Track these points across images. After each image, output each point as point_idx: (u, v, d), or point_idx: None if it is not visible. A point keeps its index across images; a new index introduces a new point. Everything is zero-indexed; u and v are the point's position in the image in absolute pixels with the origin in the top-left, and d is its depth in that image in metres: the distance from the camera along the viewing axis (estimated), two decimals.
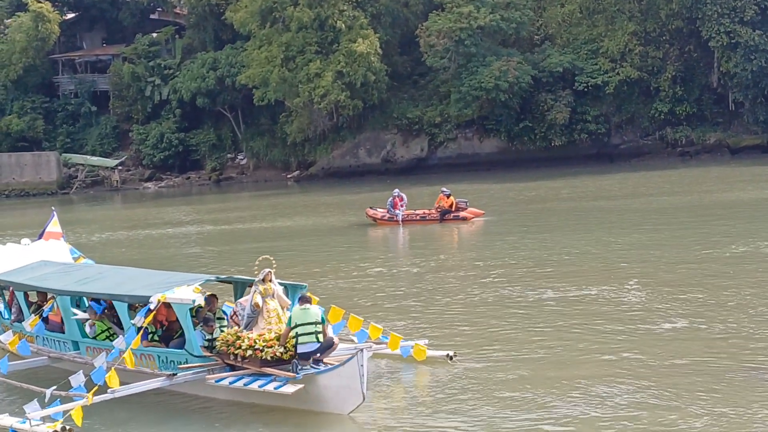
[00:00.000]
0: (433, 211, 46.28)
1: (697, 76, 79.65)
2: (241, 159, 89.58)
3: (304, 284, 19.78)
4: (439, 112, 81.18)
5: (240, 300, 19.20)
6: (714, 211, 37.34)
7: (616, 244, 35.58)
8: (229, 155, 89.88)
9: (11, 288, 22.20)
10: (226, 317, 19.16)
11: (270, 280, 18.57)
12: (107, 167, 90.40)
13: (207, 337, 18.40)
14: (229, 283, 20.64)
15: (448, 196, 46.01)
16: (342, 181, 77.80)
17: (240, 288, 20.00)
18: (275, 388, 16.79)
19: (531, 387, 17.80)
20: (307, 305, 17.59)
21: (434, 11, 79.84)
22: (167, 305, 18.60)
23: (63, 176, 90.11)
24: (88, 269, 22.32)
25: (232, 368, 17.78)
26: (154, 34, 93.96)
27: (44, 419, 16.53)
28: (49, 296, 21.43)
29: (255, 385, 17.05)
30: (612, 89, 78.60)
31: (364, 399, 16.23)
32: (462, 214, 45.47)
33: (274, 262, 18.93)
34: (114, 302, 19.72)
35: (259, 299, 18.25)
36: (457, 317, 24.60)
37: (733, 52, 76.60)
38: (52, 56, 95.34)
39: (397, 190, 47.77)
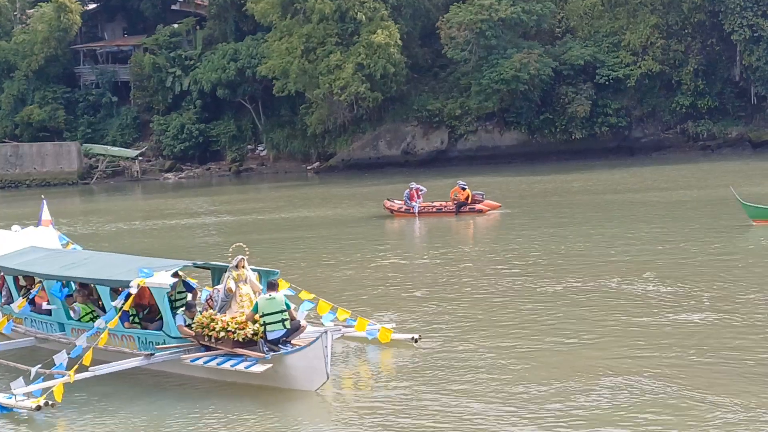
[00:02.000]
0: (450, 203, 46.15)
1: (719, 69, 79.12)
2: (261, 150, 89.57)
3: (276, 270, 20.78)
4: (460, 104, 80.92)
5: (217, 285, 20.02)
6: (735, 204, 36.99)
7: (634, 236, 35.36)
8: (249, 146, 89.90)
9: (1, 272, 22.96)
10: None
11: (243, 267, 19.48)
12: (128, 158, 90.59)
13: (188, 322, 19.31)
14: (207, 269, 21.42)
15: (464, 189, 45.89)
16: (362, 173, 77.66)
17: (217, 274, 20.75)
18: (246, 368, 17.91)
19: (527, 375, 18.05)
20: (273, 294, 18.77)
21: (455, 3, 79.52)
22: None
23: (84, 166, 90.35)
24: (74, 255, 23.26)
25: (207, 349, 18.83)
26: (175, 25, 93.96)
27: (28, 395, 17.58)
28: (36, 280, 22.15)
29: (227, 365, 18.20)
30: (633, 82, 78.17)
31: (328, 377, 17.38)
32: (478, 206, 45.32)
33: (247, 249, 19.89)
34: (97, 286, 20.80)
35: (232, 284, 19.25)
36: (461, 308, 24.58)
37: (755, 46, 76.08)
38: (74, 47, 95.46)
39: (414, 182, 47.75)
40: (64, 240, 25.68)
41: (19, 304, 21.92)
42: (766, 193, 45.45)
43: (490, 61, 77.79)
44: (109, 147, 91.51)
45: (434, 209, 46.36)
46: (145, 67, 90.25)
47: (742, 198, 37.03)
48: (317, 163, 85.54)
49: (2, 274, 23.14)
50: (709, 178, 57.30)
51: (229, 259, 19.78)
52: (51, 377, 18.04)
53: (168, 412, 17.43)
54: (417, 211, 46.09)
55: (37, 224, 26.15)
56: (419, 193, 46.88)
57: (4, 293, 23.22)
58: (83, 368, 18.15)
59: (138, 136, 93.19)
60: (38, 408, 17.21)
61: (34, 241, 24.23)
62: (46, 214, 26.18)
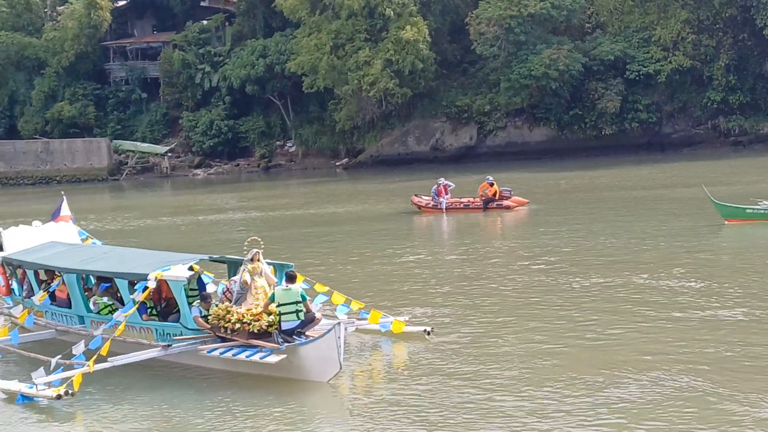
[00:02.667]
0: (477, 199, 45.95)
1: (750, 64, 78.47)
2: (290, 146, 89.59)
3: (291, 263, 21.04)
4: (489, 100, 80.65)
5: (233, 278, 20.55)
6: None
7: (663, 232, 35.10)
8: (278, 142, 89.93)
9: (23, 267, 23.42)
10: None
11: (258, 260, 19.87)
12: (157, 154, 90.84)
13: (204, 313, 19.70)
14: (223, 262, 22.00)
15: (492, 185, 45.70)
16: (390, 169, 77.50)
17: (232, 267, 21.31)
18: (261, 358, 18.35)
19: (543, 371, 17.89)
20: (289, 285, 19.06)
21: None
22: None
23: (113, 162, 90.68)
24: (93, 249, 24.04)
25: (223, 340, 19.23)
26: (205, 22, 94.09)
27: (48, 385, 18.06)
28: (56, 274, 22.59)
29: (243, 356, 18.62)
30: (664, 78, 77.63)
31: (341, 368, 17.74)
32: (505, 202, 45.13)
33: (261, 242, 20.20)
34: (115, 279, 21.21)
35: (247, 277, 19.68)
36: (487, 304, 24.47)
37: None
38: (104, 43, 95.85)
39: (442, 179, 47.57)
40: (83, 235, 26.06)
41: (39, 297, 22.36)
42: None
43: (519, 57, 77.52)
44: (138, 143, 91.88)
45: (462, 205, 46.19)
46: (175, 64, 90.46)
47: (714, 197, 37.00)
48: (346, 159, 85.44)
49: (23, 268, 23.51)
50: (739, 174, 56.78)
51: (245, 252, 20.08)
52: (70, 367, 18.49)
53: (184, 401, 17.77)
54: (444, 207, 45.95)
55: (53, 217, 26.43)
56: (447, 189, 46.72)
57: (25, 287, 23.54)
58: (102, 359, 18.63)
59: (167, 132, 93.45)
60: (58, 397, 17.62)
61: (54, 236, 24.68)
62: (65, 210, 26.51)
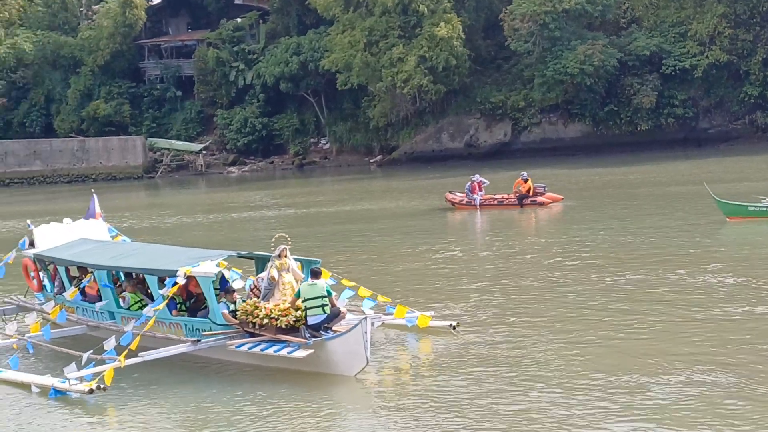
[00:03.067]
0: (511, 196, 45.73)
1: None
2: (324, 143, 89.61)
3: (317, 259, 21.11)
4: (523, 96, 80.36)
5: (260, 274, 20.81)
6: None
7: (698, 229, 34.77)
8: (312, 140, 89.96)
9: (54, 263, 23.68)
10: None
11: (285, 256, 20.15)
12: (192, 152, 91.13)
13: (231, 307, 20.06)
14: (251, 258, 22.18)
15: (526, 181, 45.48)
16: (424, 166, 77.34)
17: (260, 263, 21.57)
18: (289, 353, 18.60)
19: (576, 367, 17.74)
20: (315, 281, 19.25)
21: None
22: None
23: (148, 160, 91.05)
24: (123, 246, 24.38)
25: (251, 335, 19.52)
26: (239, 20, 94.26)
27: (80, 379, 18.34)
28: (88, 270, 22.89)
29: (271, 351, 18.87)
30: (700, 73, 77.02)
31: (367, 362, 17.92)
32: (540, 199, 44.93)
33: (289, 239, 20.53)
34: (145, 276, 21.51)
35: (275, 273, 19.95)
36: (520, 300, 24.37)
37: None
38: (139, 42, 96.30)
39: (476, 175, 47.35)
40: (113, 232, 26.32)
41: (71, 293, 22.67)
42: None
43: (553, 53, 77.17)
44: (173, 141, 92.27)
45: (496, 202, 46.01)
46: (209, 62, 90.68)
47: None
48: (380, 156, 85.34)
49: (55, 264, 23.75)
50: None
51: (272, 248, 20.35)
52: (102, 362, 18.81)
53: (214, 395, 17.94)
54: (478, 203, 45.77)
55: (86, 217, 26.48)
56: (481, 185, 46.52)
57: (56, 283, 23.87)
58: (133, 354, 18.81)
59: (202, 130, 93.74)
60: (90, 391, 17.92)
61: (84, 234, 24.94)
62: (96, 208, 26.63)
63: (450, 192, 47.82)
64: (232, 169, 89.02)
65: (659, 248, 31.16)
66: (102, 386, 17.97)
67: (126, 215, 54.24)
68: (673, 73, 77.54)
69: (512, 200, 45.44)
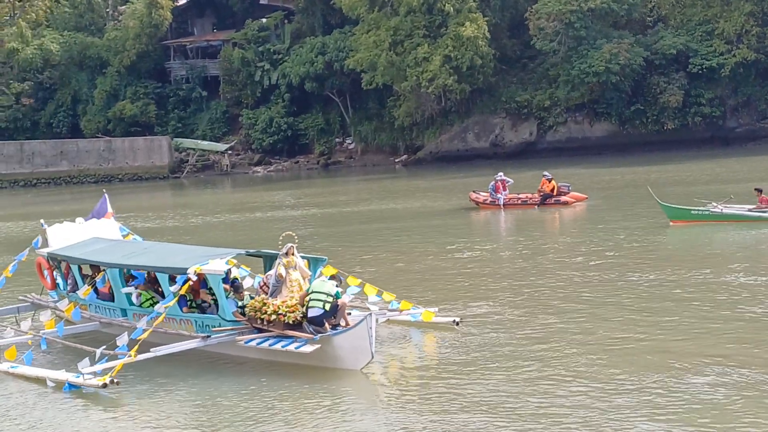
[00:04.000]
0: (535, 195, 45.55)
1: None
2: (349, 143, 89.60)
3: (324, 257, 21.89)
4: (549, 95, 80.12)
5: (269, 272, 21.23)
6: None
7: (725, 229, 34.42)
8: (337, 139, 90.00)
9: (67, 262, 24.09)
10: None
11: (292, 254, 20.70)
12: (217, 151, 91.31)
13: (239, 304, 20.50)
14: (259, 257, 22.74)
15: (550, 180, 45.31)
16: (450, 166, 77.22)
17: (268, 261, 22.06)
18: (296, 348, 19.01)
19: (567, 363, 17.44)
20: (328, 280, 19.86)
21: None
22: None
23: (174, 160, 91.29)
24: (135, 245, 24.58)
25: (259, 331, 19.97)
26: (264, 20, 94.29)
27: (94, 374, 18.80)
28: (101, 269, 23.24)
29: (278, 346, 19.31)
30: (728, 71, 76.53)
31: (372, 357, 18.39)
32: (563, 198, 44.76)
33: (296, 237, 21.12)
34: (156, 274, 21.91)
35: (282, 270, 20.50)
36: (531, 299, 24.37)
37: None
38: (164, 42, 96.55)
39: (500, 173, 47.21)
40: (124, 231, 26.65)
41: (84, 291, 23.07)
42: None
43: (579, 52, 76.90)
44: (199, 141, 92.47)
45: (519, 201, 45.83)
46: (234, 62, 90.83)
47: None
48: (405, 156, 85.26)
49: (68, 263, 24.12)
50: None
51: (279, 246, 20.82)
52: (114, 358, 19.18)
53: (223, 389, 18.34)
54: (502, 203, 45.61)
55: (94, 216, 26.70)
56: (505, 184, 46.37)
57: (69, 281, 24.29)
58: (145, 349, 19.28)
59: (227, 130, 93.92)
60: (104, 386, 18.33)
61: (96, 233, 25.29)
62: (108, 207, 27.03)
63: (474, 191, 47.70)
64: (258, 168, 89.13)
65: (684, 248, 30.99)
66: (116, 381, 18.34)
67: (150, 215, 54.39)
68: (700, 72, 77.09)
69: (536, 200, 45.27)
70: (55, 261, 24.58)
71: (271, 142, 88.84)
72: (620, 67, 74.93)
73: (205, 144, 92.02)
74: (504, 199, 45.79)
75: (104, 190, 30.15)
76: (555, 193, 44.94)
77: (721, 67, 76.53)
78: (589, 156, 75.13)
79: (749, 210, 35.27)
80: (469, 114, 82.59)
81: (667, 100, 76.66)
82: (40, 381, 19.56)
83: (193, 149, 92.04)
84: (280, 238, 21.12)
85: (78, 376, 18.79)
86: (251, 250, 22.78)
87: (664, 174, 58.41)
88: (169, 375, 19.34)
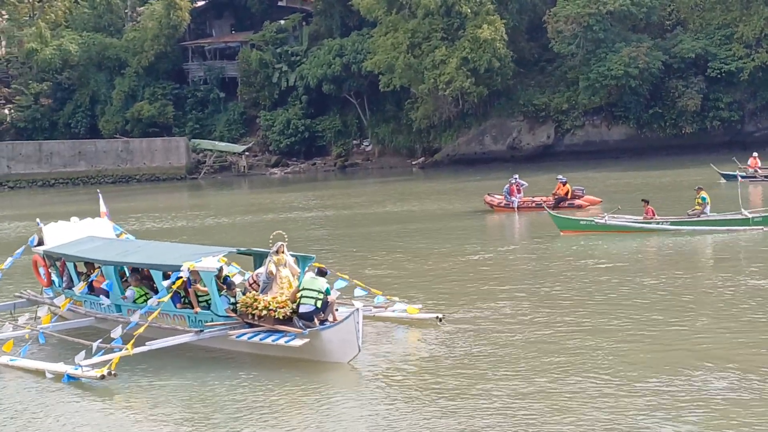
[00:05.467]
0: (550, 198, 45.41)
1: None
2: (367, 145, 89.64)
3: (312, 255, 22.29)
4: (566, 98, 79.98)
5: (259, 269, 21.91)
6: None
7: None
8: (354, 141, 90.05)
9: (63, 259, 24.72)
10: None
11: (282, 252, 21.28)
12: (234, 153, 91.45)
13: (231, 300, 21.14)
14: (249, 255, 23.34)
15: (564, 184, 45.17)
16: (467, 168, 77.13)
17: (258, 259, 22.66)
18: (286, 342, 19.71)
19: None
20: (318, 277, 20.43)
21: None
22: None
23: (192, 161, 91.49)
24: (129, 243, 25.32)
25: (250, 326, 20.63)
26: (282, 21, 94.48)
27: (92, 366, 19.34)
28: (96, 266, 23.87)
29: (269, 340, 19.99)
30: (747, 75, 76.26)
31: (359, 350, 19.06)
32: (577, 201, 44.64)
33: (286, 236, 21.63)
34: (150, 270, 22.71)
35: (273, 268, 21.08)
36: (531, 300, 24.41)
37: None
38: (183, 43, 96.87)
39: (516, 176, 47.11)
40: (118, 230, 27.31)
41: (80, 286, 23.80)
42: None
43: (597, 55, 76.75)
44: (216, 142, 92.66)
45: (534, 204, 45.65)
46: (252, 63, 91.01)
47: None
48: (422, 158, 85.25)
49: (64, 260, 24.75)
50: None
51: (270, 244, 21.41)
52: (111, 351, 19.79)
53: (216, 382, 18.89)
54: (516, 206, 45.50)
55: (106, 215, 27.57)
56: (520, 187, 46.29)
57: (64, 278, 24.88)
58: (140, 343, 19.82)
59: (245, 131, 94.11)
60: (102, 377, 18.91)
61: (90, 232, 25.97)
62: (102, 207, 27.81)
63: (489, 194, 47.62)
64: (275, 170, 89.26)
65: (698, 252, 30.80)
66: (113, 372, 18.92)
67: (165, 216, 54.39)
68: (719, 76, 76.85)
69: (550, 203, 45.09)
70: (51, 259, 25.13)
71: (288, 143, 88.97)
72: (639, 70, 74.73)
73: (223, 145, 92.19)
74: (518, 202, 45.69)
75: (98, 190, 30.71)
76: (569, 197, 44.80)
77: (740, 71, 76.24)
78: (607, 160, 74.92)
79: (634, 222, 35.89)
80: (486, 117, 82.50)
81: (685, 104, 76.47)
82: (39, 373, 20.06)
83: (211, 150, 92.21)
84: (271, 236, 21.71)
85: (77, 368, 19.33)
86: (242, 249, 23.49)
87: (677, 178, 58.21)
88: (164, 368, 19.90)
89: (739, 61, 76.50)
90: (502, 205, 46.04)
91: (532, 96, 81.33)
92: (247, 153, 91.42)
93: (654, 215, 35.94)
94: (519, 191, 46.15)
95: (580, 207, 44.31)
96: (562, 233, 36.08)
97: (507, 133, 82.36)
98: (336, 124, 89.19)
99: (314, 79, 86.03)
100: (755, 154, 56.84)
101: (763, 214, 34.89)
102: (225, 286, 21.48)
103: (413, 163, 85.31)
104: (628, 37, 77.26)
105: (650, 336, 20.11)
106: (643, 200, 36.99)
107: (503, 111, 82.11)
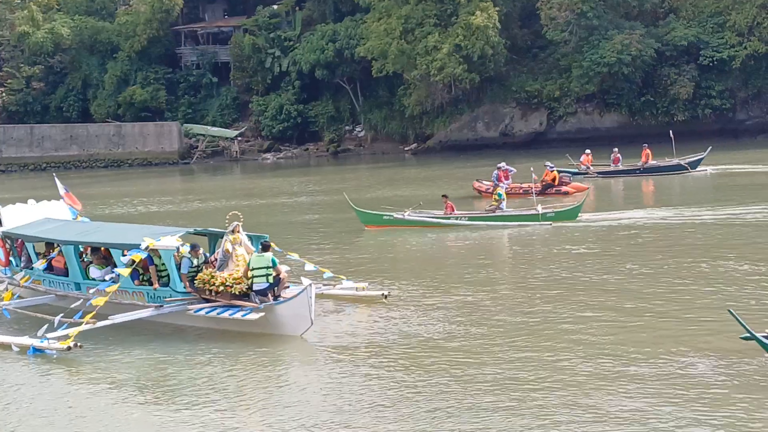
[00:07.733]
0: (537, 185, 45.39)
1: None
2: (359, 131, 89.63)
3: (266, 235, 23.33)
4: (559, 85, 79.91)
5: (218, 250, 22.76)
6: None
7: (726, 221, 34.32)
8: (346, 127, 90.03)
9: (20, 240, 25.83)
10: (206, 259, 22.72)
11: (238, 231, 22.29)
12: (227, 138, 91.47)
13: (194, 262, 22.10)
14: (204, 235, 24.39)
15: (552, 170, 45.21)
16: (459, 155, 77.13)
17: (213, 240, 23.94)
18: (242, 316, 20.81)
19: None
20: (263, 253, 21.50)
21: None
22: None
23: (184, 146, 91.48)
24: (87, 224, 26.35)
25: (207, 301, 21.71)
26: (275, 6, 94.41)
27: (57, 339, 20.17)
28: (55, 246, 24.93)
29: (226, 314, 21.07)
30: (738, 64, 76.20)
31: (312, 324, 20.28)
32: (564, 188, 44.77)
33: (241, 216, 22.66)
34: (110, 249, 23.68)
35: (229, 246, 22.11)
36: (530, 288, 24.29)
37: None
38: (175, 28, 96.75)
39: (503, 163, 47.16)
40: (74, 213, 28.11)
41: (40, 263, 24.93)
42: None
43: (590, 42, 76.70)
44: (209, 127, 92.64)
45: (521, 190, 45.68)
46: (245, 48, 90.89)
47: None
48: (415, 145, 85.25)
49: (21, 240, 25.82)
50: None
51: (226, 224, 22.59)
52: (75, 325, 20.60)
53: (175, 353, 19.95)
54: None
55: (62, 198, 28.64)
56: (508, 174, 46.32)
57: (23, 258, 25.93)
58: (103, 317, 20.82)
59: (237, 116, 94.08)
60: (68, 349, 19.74)
61: (48, 214, 26.92)
62: (61, 189, 29.16)
63: (477, 180, 47.68)
64: (267, 155, 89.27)
65: (681, 237, 30.88)
66: (79, 344, 19.68)
67: (156, 200, 54.38)
68: (711, 64, 76.82)
69: (538, 189, 45.09)
70: (9, 240, 26.06)
71: (280, 129, 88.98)
72: (631, 58, 74.70)
73: (215, 130, 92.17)
74: (506, 188, 45.66)
75: (54, 174, 31.24)
76: (556, 183, 44.90)
77: (732, 60, 76.21)
78: (599, 147, 74.65)
79: (434, 217, 36.54)
80: (479, 103, 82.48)
81: (677, 92, 76.47)
82: (5, 347, 20.82)
83: (203, 135, 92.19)
84: (227, 216, 22.87)
85: (43, 341, 20.17)
86: (198, 228, 24.56)
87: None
88: (126, 342, 20.85)
89: (731, 50, 76.45)
90: (490, 190, 45.98)
91: (525, 83, 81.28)
92: (239, 138, 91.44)
93: (453, 210, 36.74)
94: (507, 177, 46.15)
95: (566, 194, 44.38)
96: (366, 227, 36.86)
97: (499, 120, 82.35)
98: (329, 110, 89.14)
99: (307, 64, 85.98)
100: (588, 151, 57.03)
101: (554, 211, 36.30)
102: (192, 252, 22.20)
103: (406, 149, 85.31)
104: (620, 24, 77.21)
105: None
106: (443, 196, 37.74)
107: (496, 98, 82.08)
